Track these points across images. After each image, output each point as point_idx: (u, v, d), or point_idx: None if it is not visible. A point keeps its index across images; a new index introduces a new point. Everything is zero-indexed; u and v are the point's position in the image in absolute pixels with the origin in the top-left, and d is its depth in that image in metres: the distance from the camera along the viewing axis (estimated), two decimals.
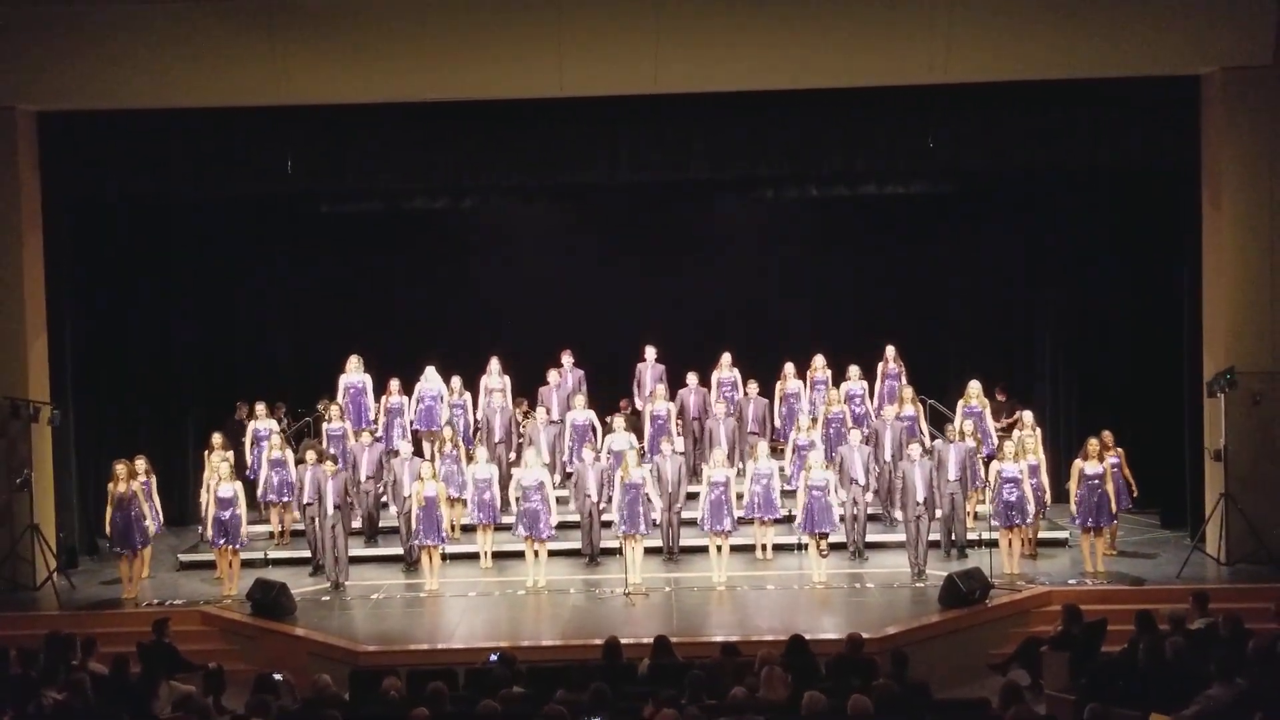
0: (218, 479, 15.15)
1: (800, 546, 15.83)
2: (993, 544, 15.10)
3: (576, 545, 16.06)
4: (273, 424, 16.97)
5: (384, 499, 16.35)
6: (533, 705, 9.61)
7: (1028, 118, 16.05)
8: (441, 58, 15.39)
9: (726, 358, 17.64)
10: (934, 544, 15.58)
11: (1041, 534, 16.05)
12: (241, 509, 15.15)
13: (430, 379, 17.39)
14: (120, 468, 15.12)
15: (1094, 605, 13.15)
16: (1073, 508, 15.17)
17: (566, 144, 16.40)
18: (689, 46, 15.32)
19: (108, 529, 15.23)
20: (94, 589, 15.58)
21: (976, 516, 16.23)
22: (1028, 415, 16.17)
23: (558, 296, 19.26)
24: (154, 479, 15.71)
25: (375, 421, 17.09)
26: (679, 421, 17.28)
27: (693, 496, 16.30)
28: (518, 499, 15.35)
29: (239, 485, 15.31)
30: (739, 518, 15.46)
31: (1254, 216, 15.53)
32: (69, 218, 16.59)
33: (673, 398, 17.23)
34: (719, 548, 15.26)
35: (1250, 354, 15.39)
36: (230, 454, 15.87)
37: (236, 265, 19.04)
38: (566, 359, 17.82)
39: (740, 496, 15.60)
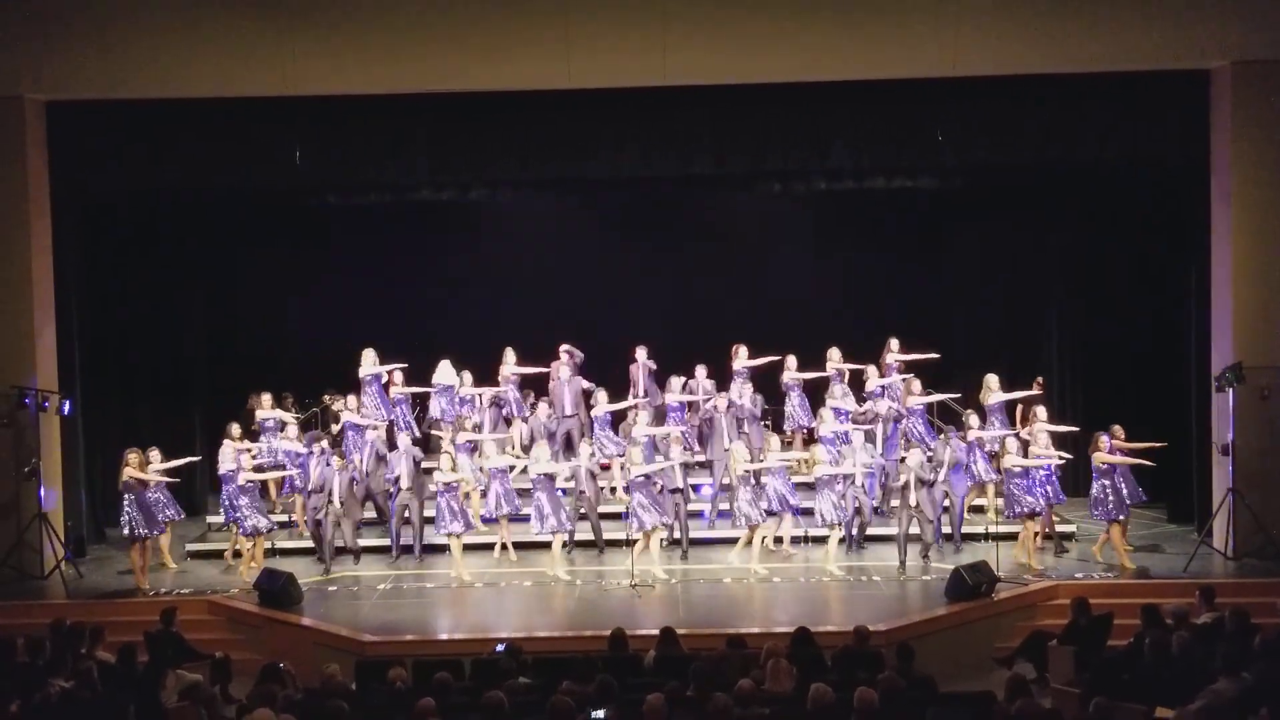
0: (236, 467, 15.28)
1: (807, 539, 15.85)
2: (1000, 538, 15.09)
3: (582, 537, 16.10)
4: (279, 414, 16.98)
5: (390, 490, 16.35)
6: (538, 696, 9.62)
7: (1037, 112, 16.04)
8: (450, 49, 15.40)
9: (743, 350, 17.58)
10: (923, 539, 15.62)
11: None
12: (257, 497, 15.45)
13: (444, 374, 17.39)
14: (134, 455, 15.17)
15: (1100, 599, 13.13)
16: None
17: (574, 136, 16.40)
18: (697, 39, 15.32)
19: (129, 516, 15.14)
20: (102, 578, 15.64)
21: (973, 509, 16.24)
22: (1041, 411, 16.15)
23: (564, 289, 19.26)
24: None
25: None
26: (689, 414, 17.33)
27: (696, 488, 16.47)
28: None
29: (259, 475, 15.66)
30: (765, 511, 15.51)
31: (1263, 211, 15.51)
32: (77, 207, 16.62)
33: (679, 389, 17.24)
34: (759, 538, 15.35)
35: (1258, 348, 15.37)
36: (247, 443, 16.00)
37: (244, 256, 19.07)
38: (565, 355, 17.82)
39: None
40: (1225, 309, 15.68)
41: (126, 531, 15.04)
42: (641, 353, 17.82)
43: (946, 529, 15.78)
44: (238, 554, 15.59)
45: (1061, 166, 16.95)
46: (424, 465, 16.34)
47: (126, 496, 15.04)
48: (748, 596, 14.64)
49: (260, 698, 9.58)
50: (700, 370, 17.47)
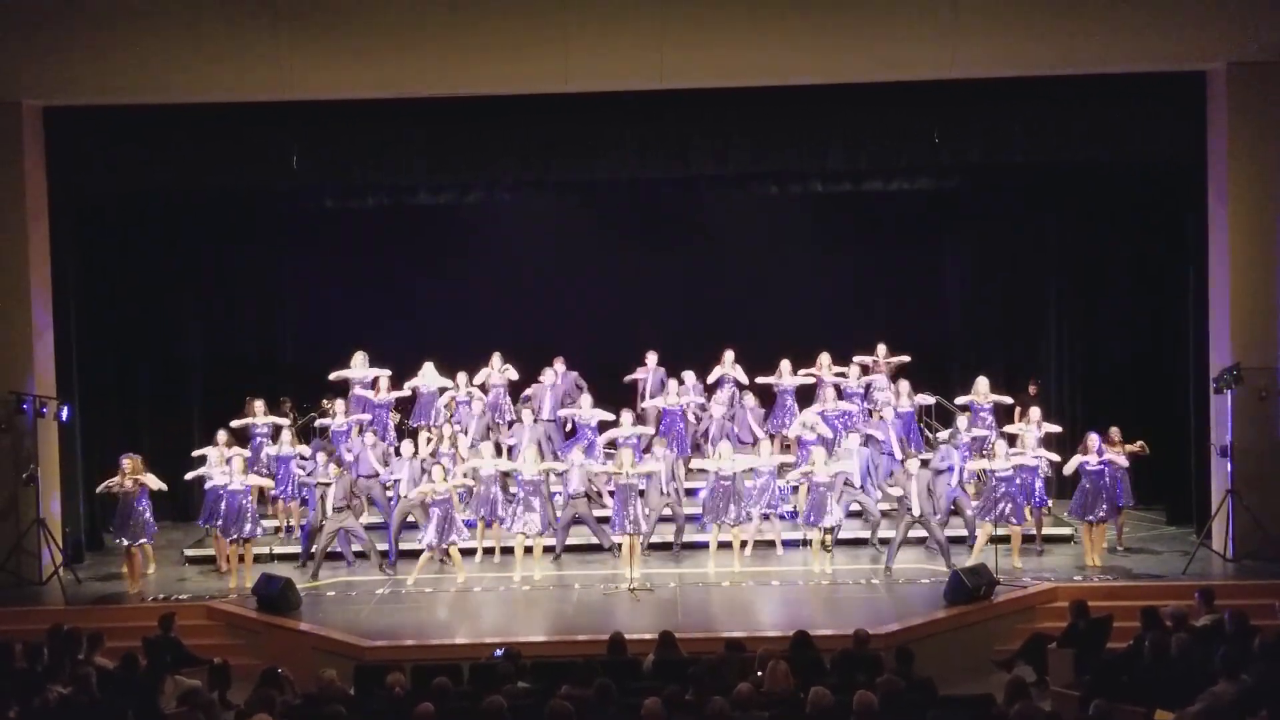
0: (231, 472, 15.23)
1: (805, 542, 15.85)
2: (999, 540, 15.10)
3: (580, 541, 16.08)
4: (272, 420, 16.94)
5: (390, 495, 16.33)
6: (537, 700, 9.61)
7: (1033, 113, 16.04)
8: (447, 52, 15.39)
9: (729, 355, 17.61)
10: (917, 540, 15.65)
11: (1047, 530, 16.07)
12: (252, 502, 15.32)
13: (428, 376, 17.40)
14: (128, 462, 15.15)
15: (1100, 601, 13.14)
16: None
17: (572, 139, 16.39)
18: (694, 42, 15.30)
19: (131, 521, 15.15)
20: (100, 584, 15.62)
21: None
22: (1035, 412, 16.15)
23: (561, 291, 19.25)
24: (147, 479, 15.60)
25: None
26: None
27: (690, 492, 16.48)
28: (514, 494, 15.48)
29: (250, 479, 15.46)
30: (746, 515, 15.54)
31: (1260, 212, 15.51)
32: (74, 212, 16.60)
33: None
34: (737, 541, 15.39)
35: (1256, 350, 15.36)
36: (237, 449, 15.95)
37: (241, 259, 19.03)
38: (559, 364, 17.80)
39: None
40: (1223, 310, 15.67)
41: (134, 537, 15.04)
42: (652, 358, 17.80)
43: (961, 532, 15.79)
44: (241, 559, 15.54)
45: (1059, 167, 16.96)
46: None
47: (125, 502, 15.03)
48: (746, 600, 14.63)
49: (259, 703, 9.59)
50: (688, 375, 17.49)
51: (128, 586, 15.16)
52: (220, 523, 15.25)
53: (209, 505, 15.55)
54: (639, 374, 17.88)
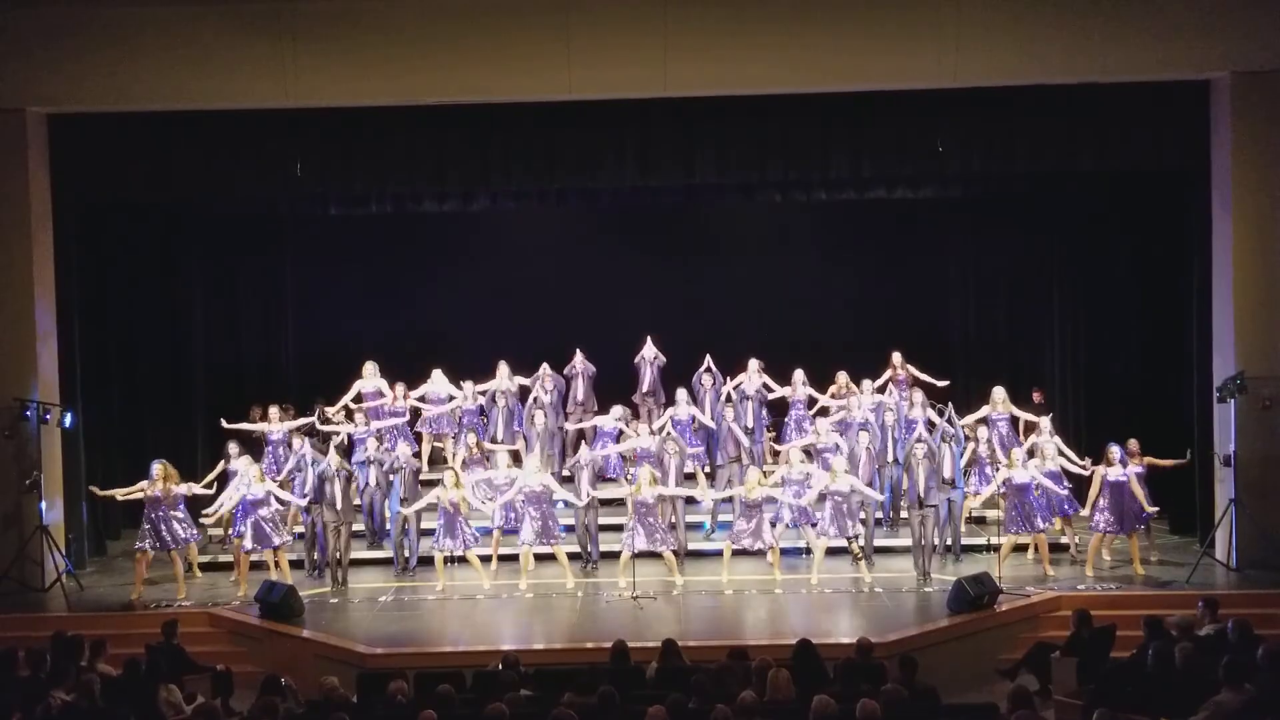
0: (249, 482, 15.17)
1: (809, 551, 15.81)
2: (996, 549, 15.07)
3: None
4: (285, 428, 16.92)
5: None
6: (540, 708, 9.60)
7: (1037, 121, 16.06)
8: (450, 60, 15.42)
9: (754, 364, 17.45)
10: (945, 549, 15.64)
11: (1049, 540, 16.02)
12: (273, 509, 15.30)
13: (437, 383, 17.39)
14: (159, 468, 15.14)
15: (1103, 610, 13.11)
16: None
17: (575, 147, 16.41)
18: (698, 50, 15.35)
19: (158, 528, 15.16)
20: (103, 591, 15.62)
21: (981, 521, 16.22)
22: (1045, 422, 16.11)
23: (565, 299, 19.26)
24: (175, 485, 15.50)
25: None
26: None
27: (692, 502, 16.43)
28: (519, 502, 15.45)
29: (271, 487, 15.42)
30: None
31: (1263, 220, 15.51)
32: (79, 219, 16.61)
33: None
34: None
35: (1260, 359, 15.36)
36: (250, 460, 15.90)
37: (245, 267, 19.08)
38: (578, 358, 17.81)
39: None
40: (1226, 319, 15.66)
41: (152, 544, 15.06)
42: (649, 349, 17.77)
43: (946, 540, 15.78)
44: (276, 565, 15.47)
45: (1062, 176, 16.97)
46: (423, 478, 16.36)
47: (153, 510, 15.05)
48: (749, 608, 14.62)
49: (261, 710, 9.57)
50: (705, 379, 17.43)
51: (177, 592, 15.08)
52: (249, 540, 15.15)
53: (239, 518, 15.39)
54: (639, 367, 17.82)
